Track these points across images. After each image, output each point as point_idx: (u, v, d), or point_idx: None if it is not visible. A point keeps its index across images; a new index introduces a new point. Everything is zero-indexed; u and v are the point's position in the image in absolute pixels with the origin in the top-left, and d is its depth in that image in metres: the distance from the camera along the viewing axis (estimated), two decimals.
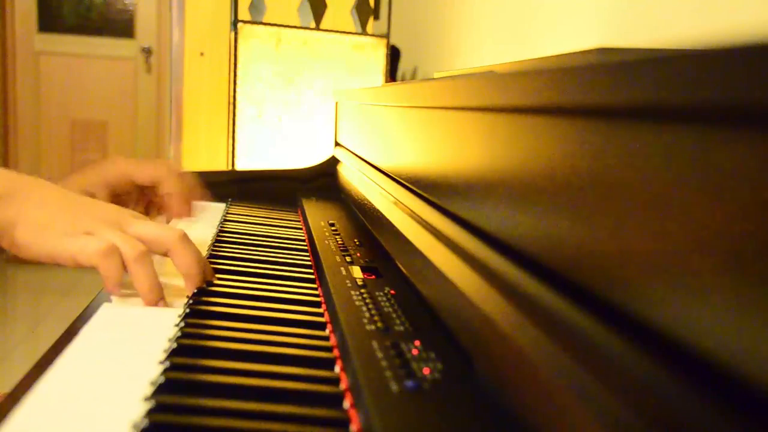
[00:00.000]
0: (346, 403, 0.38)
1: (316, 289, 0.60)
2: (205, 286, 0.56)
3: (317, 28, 1.40)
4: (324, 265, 0.62)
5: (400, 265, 0.59)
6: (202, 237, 0.77)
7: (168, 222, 0.76)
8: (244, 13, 1.37)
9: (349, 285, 0.56)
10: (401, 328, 0.46)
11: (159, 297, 0.53)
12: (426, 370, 0.39)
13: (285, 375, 0.41)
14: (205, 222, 0.87)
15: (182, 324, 0.47)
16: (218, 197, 1.04)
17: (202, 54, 1.58)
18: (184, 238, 0.55)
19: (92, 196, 0.64)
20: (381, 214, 0.67)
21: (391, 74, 1.70)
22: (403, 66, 1.88)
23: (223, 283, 0.58)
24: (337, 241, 0.73)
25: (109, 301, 0.53)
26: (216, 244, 0.72)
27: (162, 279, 0.56)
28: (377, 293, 0.54)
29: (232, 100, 1.37)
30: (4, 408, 0.35)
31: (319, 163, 1.13)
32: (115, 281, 0.51)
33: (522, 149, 0.37)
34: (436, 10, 1.65)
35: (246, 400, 0.37)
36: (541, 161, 0.34)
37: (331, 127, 1.26)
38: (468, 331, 0.40)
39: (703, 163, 0.22)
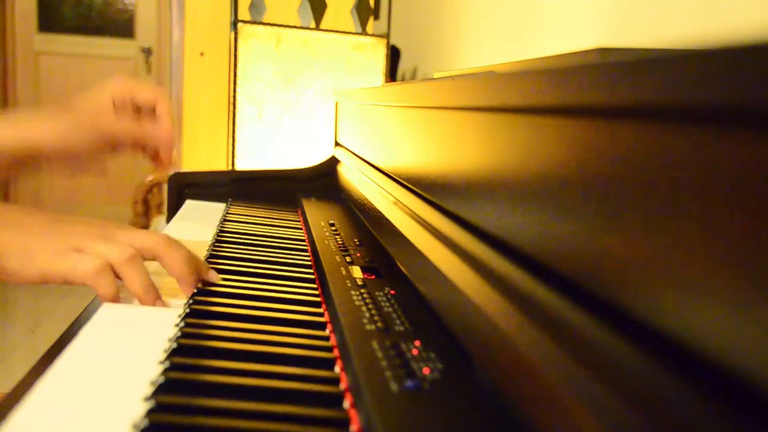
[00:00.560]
0: (346, 403, 0.38)
1: (316, 289, 0.60)
2: (201, 286, 0.56)
3: (317, 28, 1.40)
4: (324, 265, 0.62)
5: (400, 265, 0.59)
6: (202, 237, 0.77)
7: (157, 167, 0.79)
8: (244, 13, 1.37)
9: (349, 285, 0.56)
10: (401, 328, 0.46)
11: (155, 297, 0.53)
12: (426, 370, 0.39)
13: (285, 375, 0.41)
14: (205, 222, 0.87)
15: (182, 324, 0.47)
16: (218, 197, 1.04)
17: (202, 54, 1.58)
18: (169, 241, 0.55)
19: (100, 112, 0.72)
20: (381, 214, 0.67)
21: (391, 74, 1.70)
22: (403, 66, 1.88)
23: (223, 283, 0.58)
24: (337, 241, 0.73)
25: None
26: (216, 244, 0.72)
27: (161, 277, 0.56)
28: (377, 293, 0.54)
29: (232, 100, 1.37)
30: (4, 408, 0.35)
31: (319, 163, 1.13)
32: (109, 298, 0.51)
33: (522, 149, 0.37)
34: (436, 10, 1.66)
35: (246, 400, 0.37)
36: (541, 161, 0.34)
37: (331, 127, 1.26)
38: (468, 331, 0.40)
39: (704, 162, 0.22)
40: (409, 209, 0.59)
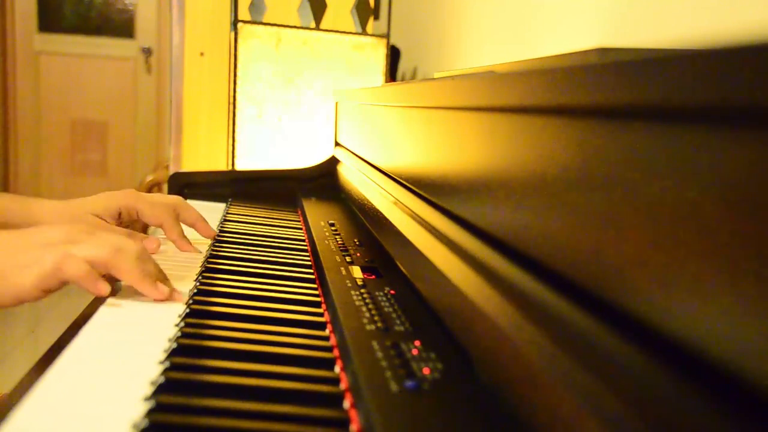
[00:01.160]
0: (346, 403, 0.38)
1: (316, 289, 0.60)
2: (164, 299, 0.53)
3: (317, 28, 1.40)
4: (324, 265, 0.62)
5: (400, 265, 0.59)
6: (203, 237, 0.77)
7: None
8: (244, 13, 1.37)
9: (349, 285, 0.56)
10: (401, 328, 0.46)
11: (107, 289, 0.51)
12: (426, 370, 0.39)
13: (285, 375, 0.41)
14: None
15: (182, 324, 0.47)
16: (218, 197, 1.04)
17: (202, 54, 1.58)
18: (119, 251, 0.52)
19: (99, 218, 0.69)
20: (381, 214, 0.67)
21: (391, 74, 1.70)
22: (403, 66, 1.88)
23: (223, 283, 0.58)
24: (337, 241, 0.73)
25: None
26: (216, 244, 0.72)
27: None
28: (377, 293, 0.54)
29: (232, 100, 1.37)
30: (4, 408, 0.35)
31: (319, 163, 1.13)
32: (91, 284, 0.50)
33: (522, 149, 0.37)
34: (436, 10, 1.65)
35: (246, 400, 0.37)
36: (541, 161, 0.34)
37: (331, 127, 1.26)
38: (468, 331, 0.40)
39: (704, 162, 0.22)
40: (409, 209, 0.59)
